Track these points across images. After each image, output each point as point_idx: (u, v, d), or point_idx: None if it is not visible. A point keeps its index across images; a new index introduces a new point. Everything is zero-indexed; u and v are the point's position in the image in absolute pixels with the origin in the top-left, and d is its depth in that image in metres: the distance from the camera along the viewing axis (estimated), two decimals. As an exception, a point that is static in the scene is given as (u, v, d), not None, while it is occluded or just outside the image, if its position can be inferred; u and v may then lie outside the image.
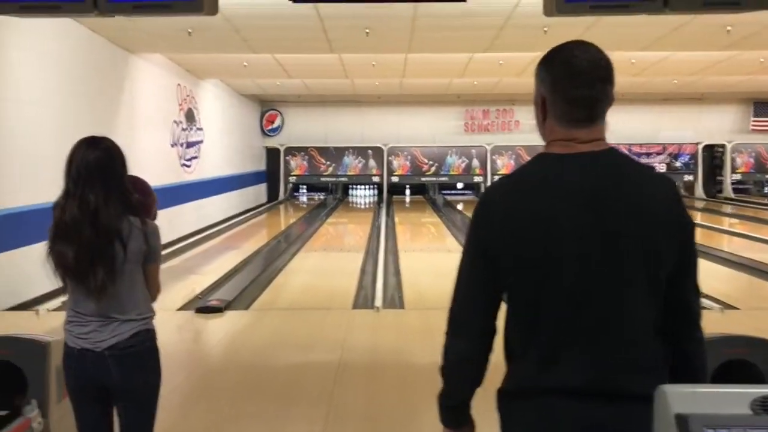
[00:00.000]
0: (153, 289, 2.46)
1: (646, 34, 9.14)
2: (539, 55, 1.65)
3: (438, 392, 1.67)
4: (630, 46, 10.05)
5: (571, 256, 1.46)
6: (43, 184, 7.21)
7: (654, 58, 11.68)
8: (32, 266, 7.29)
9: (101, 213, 2.22)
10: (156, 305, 2.48)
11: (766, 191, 20.87)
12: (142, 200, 2.40)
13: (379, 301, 6.58)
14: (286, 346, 5.26)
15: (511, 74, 13.24)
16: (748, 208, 16.81)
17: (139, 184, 2.51)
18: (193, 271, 8.86)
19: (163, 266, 9.23)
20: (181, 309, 6.49)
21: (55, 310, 6.55)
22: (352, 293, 7.20)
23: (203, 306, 6.36)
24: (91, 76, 8.46)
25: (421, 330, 5.59)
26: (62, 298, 7.19)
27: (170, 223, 11.19)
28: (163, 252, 9.92)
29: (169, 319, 6.23)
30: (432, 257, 10.00)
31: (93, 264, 2.22)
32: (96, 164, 2.25)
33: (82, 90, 8.21)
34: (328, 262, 9.80)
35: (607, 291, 1.47)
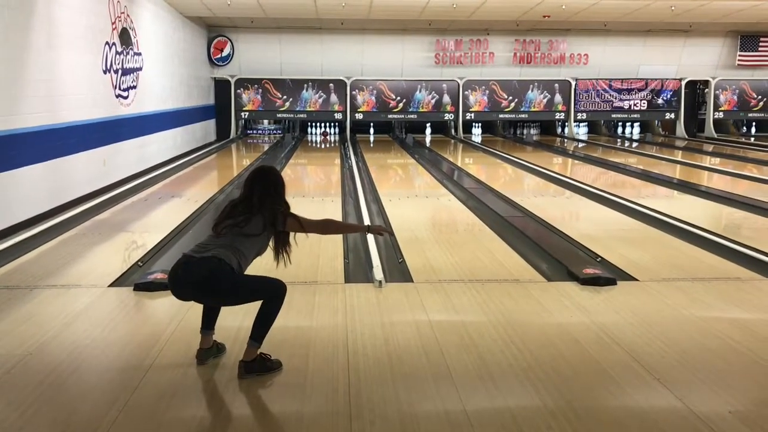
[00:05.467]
0: None
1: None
2: None
3: None
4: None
5: None
6: None
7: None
8: None
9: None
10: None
11: (744, 131, 19.95)
12: None
13: (378, 273, 5.01)
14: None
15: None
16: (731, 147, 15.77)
17: None
18: (129, 228, 7.10)
19: (92, 222, 6.93)
20: (113, 284, 4.82)
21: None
22: (340, 254, 5.64)
23: (144, 281, 4.71)
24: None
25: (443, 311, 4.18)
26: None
27: (104, 165, 9.37)
28: (94, 202, 7.80)
29: (98, 299, 4.54)
30: (424, 205, 8.41)
31: None
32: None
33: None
34: (301, 211, 8.11)
35: None
